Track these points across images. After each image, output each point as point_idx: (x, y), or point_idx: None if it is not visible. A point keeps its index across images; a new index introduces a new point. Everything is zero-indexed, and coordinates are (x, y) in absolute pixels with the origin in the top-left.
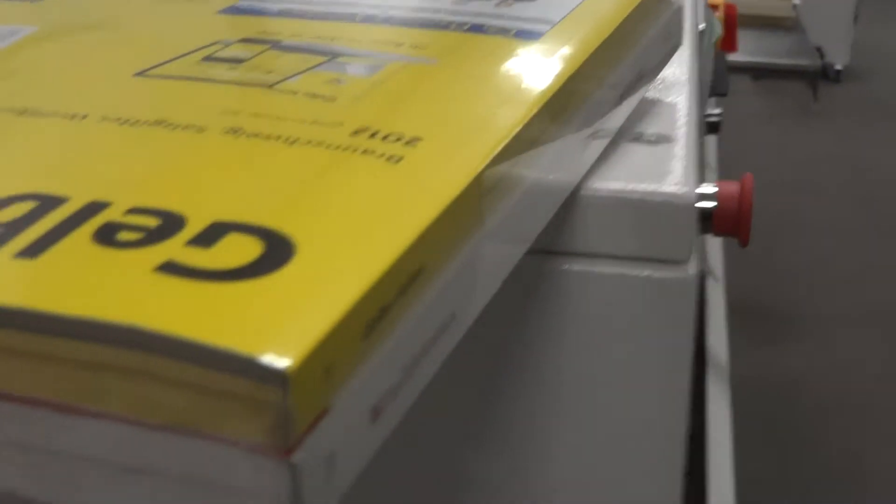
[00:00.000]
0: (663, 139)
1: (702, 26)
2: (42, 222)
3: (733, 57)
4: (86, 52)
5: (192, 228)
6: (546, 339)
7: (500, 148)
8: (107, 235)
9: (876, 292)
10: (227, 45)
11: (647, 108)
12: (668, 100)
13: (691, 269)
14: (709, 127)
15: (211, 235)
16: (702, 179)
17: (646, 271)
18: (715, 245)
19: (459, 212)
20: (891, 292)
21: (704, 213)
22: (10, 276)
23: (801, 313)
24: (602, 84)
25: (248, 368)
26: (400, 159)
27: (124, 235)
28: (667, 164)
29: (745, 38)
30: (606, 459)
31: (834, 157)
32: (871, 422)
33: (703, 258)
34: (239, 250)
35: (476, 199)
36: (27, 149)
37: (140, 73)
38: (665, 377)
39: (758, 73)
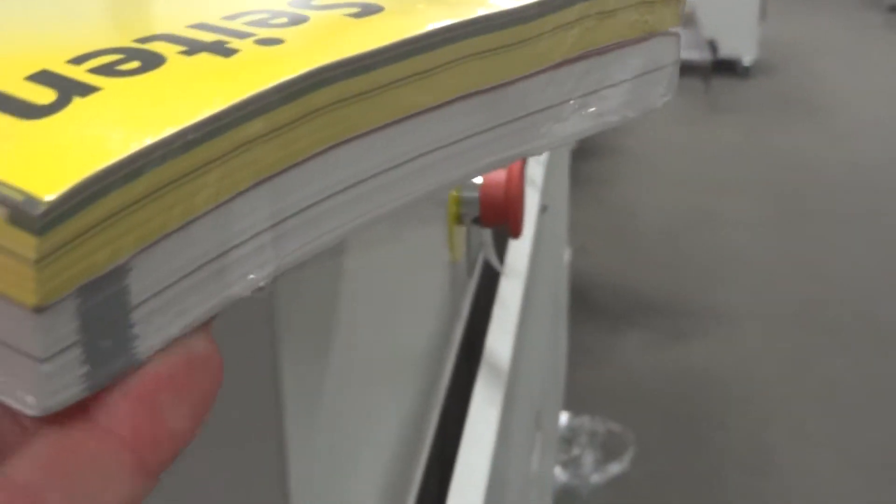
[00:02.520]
0: None
1: None
2: None
3: None
4: None
5: None
6: None
7: None
8: None
9: (785, 286)
10: None
11: None
12: None
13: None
14: None
15: None
16: None
17: None
18: (521, 243)
19: None
20: (799, 285)
21: (464, 202)
22: None
23: (709, 309)
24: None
25: None
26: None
27: None
28: None
29: None
30: None
31: (744, 153)
32: (777, 414)
33: (489, 251)
34: None
35: None
36: None
37: None
38: None
39: None
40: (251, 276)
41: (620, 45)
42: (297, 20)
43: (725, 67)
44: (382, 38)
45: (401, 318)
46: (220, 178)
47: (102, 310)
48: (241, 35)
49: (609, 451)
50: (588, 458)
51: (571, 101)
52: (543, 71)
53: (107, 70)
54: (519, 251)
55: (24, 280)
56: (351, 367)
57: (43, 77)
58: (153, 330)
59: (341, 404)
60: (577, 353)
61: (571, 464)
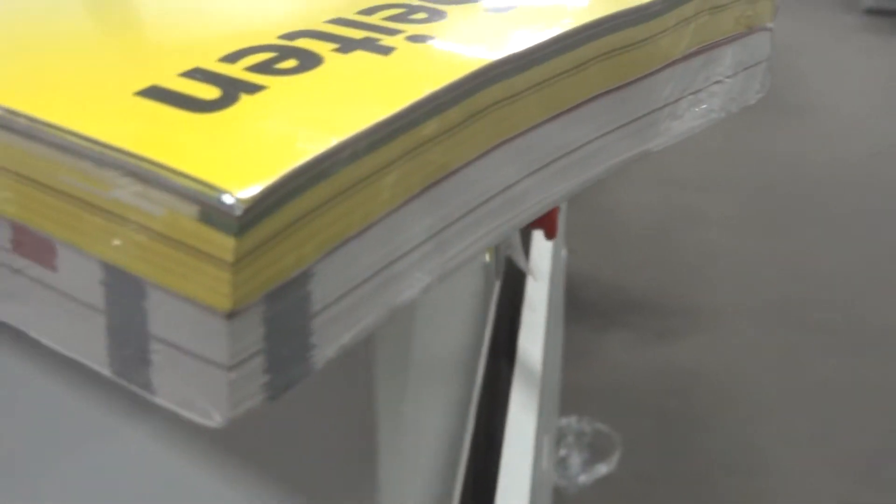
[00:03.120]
0: None
1: None
2: None
3: None
4: None
5: None
6: None
7: None
8: None
9: (771, 285)
10: None
11: None
12: None
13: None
14: None
15: None
16: None
17: None
18: (544, 245)
19: None
20: (785, 284)
21: None
22: None
23: (695, 307)
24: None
25: None
26: None
27: None
28: None
29: None
30: None
31: (727, 152)
32: (765, 414)
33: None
34: None
35: None
36: None
37: None
38: None
39: None
40: (419, 283)
41: (727, 41)
42: (437, 15)
43: None
44: (531, 34)
45: (451, 322)
46: (395, 182)
47: (286, 317)
48: (390, 32)
49: (596, 451)
50: (575, 459)
51: (686, 98)
52: (665, 67)
53: (266, 68)
54: (541, 252)
55: (218, 283)
56: (425, 371)
57: (198, 74)
58: (329, 338)
59: (418, 407)
60: (563, 353)
61: (559, 464)
